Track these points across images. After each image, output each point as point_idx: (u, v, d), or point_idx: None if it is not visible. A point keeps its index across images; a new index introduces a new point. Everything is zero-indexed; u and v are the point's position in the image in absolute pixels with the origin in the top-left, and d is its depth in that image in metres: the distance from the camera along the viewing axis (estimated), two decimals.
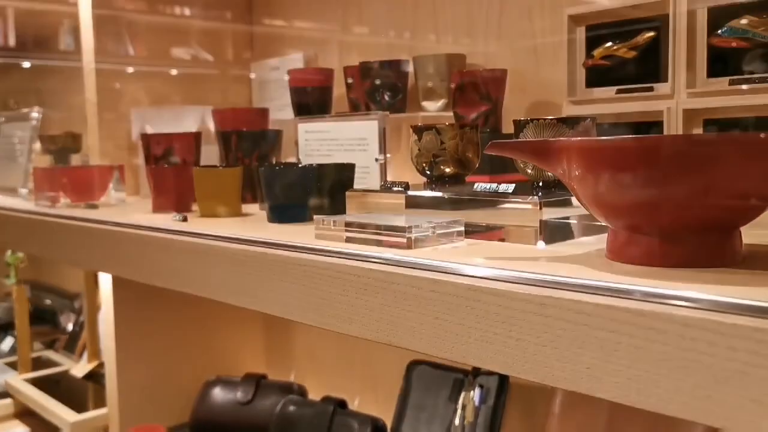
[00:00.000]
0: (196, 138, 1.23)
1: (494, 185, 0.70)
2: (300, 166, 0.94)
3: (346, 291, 0.58)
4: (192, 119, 1.54)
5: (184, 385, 1.43)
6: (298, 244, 0.67)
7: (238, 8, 1.67)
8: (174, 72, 1.59)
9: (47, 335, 2.23)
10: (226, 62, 1.67)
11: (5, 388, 1.85)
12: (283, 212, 0.87)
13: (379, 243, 0.66)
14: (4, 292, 2.27)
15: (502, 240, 0.67)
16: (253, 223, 0.89)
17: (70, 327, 2.19)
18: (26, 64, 2.49)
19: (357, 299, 0.57)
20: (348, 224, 0.70)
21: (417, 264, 0.55)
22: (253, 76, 1.67)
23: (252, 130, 1.18)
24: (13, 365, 2.02)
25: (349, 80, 1.23)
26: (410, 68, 1.19)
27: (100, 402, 1.57)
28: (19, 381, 1.83)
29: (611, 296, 0.43)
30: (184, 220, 0.94)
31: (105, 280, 1.36)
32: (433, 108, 1.15)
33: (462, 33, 1.20)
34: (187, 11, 1.61)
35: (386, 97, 1.17)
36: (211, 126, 1.46)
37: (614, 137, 0.51)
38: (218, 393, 1.36)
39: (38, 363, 2.00)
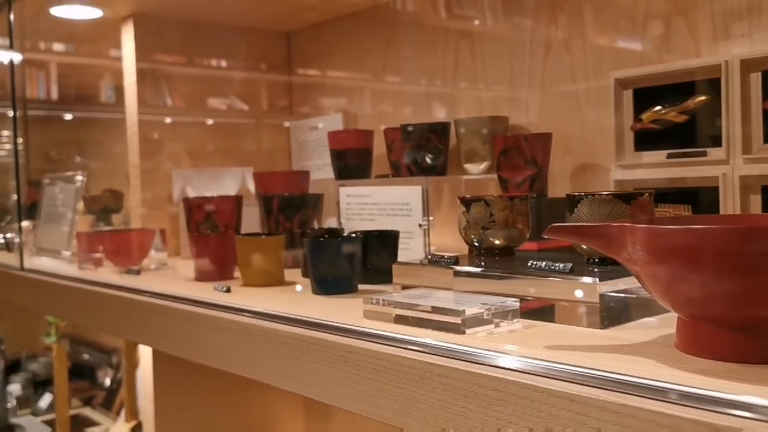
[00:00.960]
0: (237, 201, 1.23)
1: (550, 263, 0.67)
2: (344, 237, 0.93)
3: (401, 383, 0.56)
4: (231, 180, 1.54)
5: None
6: (348, 327, 0.65)
7: (276, 59, 1.70)
8: (210, 122, 1.62)
9: (85, 391, 2.23)
10: (263, 111, 1.69)
11: None
12: (329, 285, 0.86)
13: (430, 324, 0.64)
14: (43, 347, 2.28)
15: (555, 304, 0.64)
16: (298, 296, 0.88)
17: (107, 382, 2.18)
18: (68, 116, 2.55)
19: (413, 393, 0.55)
20: (398, 304, 0.68)
21: (478, 357, 0.53)
22: (287, 125, 1.68)
23: (293, 194, 1.18)
24: (50, 423, 2.01)
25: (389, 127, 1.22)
26: (451, 130, 1.18)
27: None
28: None
29: (698, 408, 0.40)
30: (228, 291, 0.92)
31: None
32: (475, 171, 1.14)
33: (504, 93, 1.19)
34: (224, 63, 1.64)
35: (428, 160, 1.16)
36: (251, 185, 1.47)
37: (689, 226, 0.48)
38: None
39: (76, 421, 1.99)
